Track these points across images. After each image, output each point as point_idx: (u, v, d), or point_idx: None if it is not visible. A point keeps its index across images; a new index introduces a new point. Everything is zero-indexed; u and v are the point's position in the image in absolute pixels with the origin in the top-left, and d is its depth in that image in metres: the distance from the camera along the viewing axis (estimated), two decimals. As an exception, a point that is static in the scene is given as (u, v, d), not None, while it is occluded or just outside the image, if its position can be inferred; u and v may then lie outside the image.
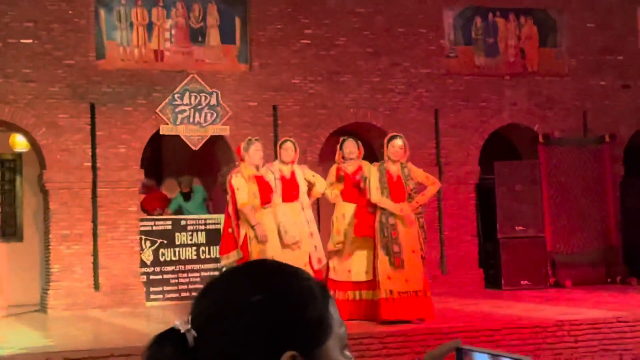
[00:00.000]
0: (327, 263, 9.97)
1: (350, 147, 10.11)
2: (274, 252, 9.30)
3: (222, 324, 1.29)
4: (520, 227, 14.15)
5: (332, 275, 9.89)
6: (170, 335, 1.30)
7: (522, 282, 13.90)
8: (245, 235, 9.41)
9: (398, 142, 9.72)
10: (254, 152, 9.57)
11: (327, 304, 1.37)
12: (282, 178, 9.82)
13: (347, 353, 1.38)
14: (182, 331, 1.28)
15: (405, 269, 9.34)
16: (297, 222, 9.71)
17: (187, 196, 14.64)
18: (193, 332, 1.28)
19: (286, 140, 10.27)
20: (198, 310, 1.33)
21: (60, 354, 8.06)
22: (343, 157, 10.10)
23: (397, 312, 9.34)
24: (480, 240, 14.81)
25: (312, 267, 9.60)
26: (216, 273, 9.88)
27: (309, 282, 1.37)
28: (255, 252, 9.29)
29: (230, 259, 9.42)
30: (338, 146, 10.29)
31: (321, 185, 10.01)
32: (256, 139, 9.84)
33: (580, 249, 14.60)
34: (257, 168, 9.58)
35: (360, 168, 10.04)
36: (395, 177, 9.59)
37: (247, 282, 1.34)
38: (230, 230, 9.56)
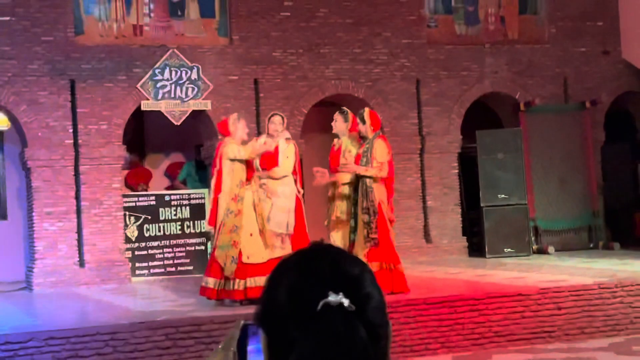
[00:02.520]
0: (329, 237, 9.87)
1: (340, 125, 9.94)
2: (248, 227, 9.30)
3: (364, 294, 1.39)
4: (503, 195, 14.23)
5: None
6: (334, 308, 1.36)
7: (505, 250, 14.01)
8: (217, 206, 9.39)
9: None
10: (242, 128, 9.53)
11: None
12: (266, 151, 9.77)
13: None
14: (346, 305, 1.35)
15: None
16: (283, 207, 9.71)
17: (201, 165, 14.60)
18: (351, 306, 1.36)
19: (275, 114, 10.21)
20: (338, 281, 1.39)
21: (45, 333, 8.05)
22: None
23: None
24: (464, 208, 14.89)
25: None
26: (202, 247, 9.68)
27: None
28: (229, 224, 9.27)
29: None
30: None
31: (282, 170, 9.85)
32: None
33: (563, 215, 14.71)
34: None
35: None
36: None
37: (348, 258, 1.43)
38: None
